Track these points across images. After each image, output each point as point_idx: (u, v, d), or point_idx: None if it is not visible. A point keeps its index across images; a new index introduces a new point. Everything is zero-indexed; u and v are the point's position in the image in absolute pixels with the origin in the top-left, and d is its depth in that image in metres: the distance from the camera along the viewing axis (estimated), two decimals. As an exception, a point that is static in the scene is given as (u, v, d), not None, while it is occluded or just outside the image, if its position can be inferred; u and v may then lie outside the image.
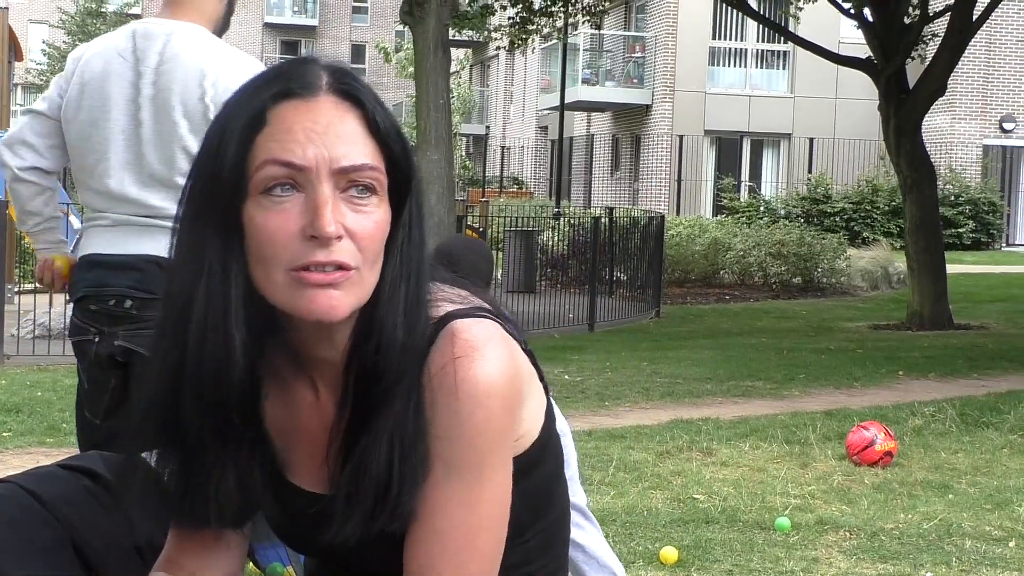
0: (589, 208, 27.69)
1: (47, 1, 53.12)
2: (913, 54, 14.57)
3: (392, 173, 1.42)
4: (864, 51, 14.63)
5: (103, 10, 46.56)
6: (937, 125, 26.30)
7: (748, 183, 29.75)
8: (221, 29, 3.31)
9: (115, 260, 3.14)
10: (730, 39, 30.18)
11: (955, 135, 27.52)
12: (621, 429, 7.18)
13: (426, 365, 1.43)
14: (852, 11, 14.76)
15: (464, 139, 42.92)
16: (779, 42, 28.87)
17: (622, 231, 16.10)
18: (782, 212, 25.97)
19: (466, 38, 30.71)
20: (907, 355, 11.00)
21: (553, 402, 1.67)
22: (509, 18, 17.10)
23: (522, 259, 15.76)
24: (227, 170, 1.38)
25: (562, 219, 18.96)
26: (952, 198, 25.72)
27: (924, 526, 5.17)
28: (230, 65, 3.14)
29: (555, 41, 25.75)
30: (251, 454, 1.49)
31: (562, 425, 2.81)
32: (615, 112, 32.48)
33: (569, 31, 23.13)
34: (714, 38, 29.99)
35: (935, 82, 13.70)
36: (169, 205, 3.07)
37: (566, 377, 9.32)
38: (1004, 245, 27.59)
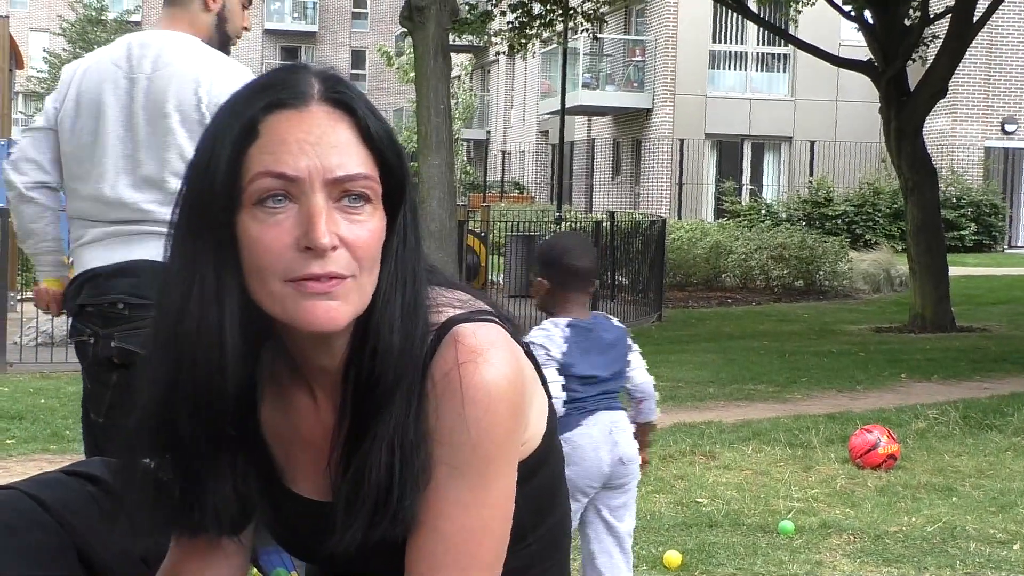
0: (590, 212, 27.69)
1: (48, 9, 53.22)
2: (914, 56, 14.58)
3: (386, 180, 1.42)
4: (865, 53, 14.64)
5: (103, 18, 46.60)
6: (938, 127, 26.30)
7: (749, 186, 29.75)
8: (218, 42, 3.35)
9: (110, 269, 3.18)
10: (730, 42, 30.19)
11: (956, 137, 27.51)
12: (624, 433, 7.17)
13: (429, 371, 1.43)
14: (852, 13, 14.76)
15: (465, 144, 42.92)
16: (779, 45, 28.89)
17: (623, 235, 16.11)
18: (783, 215, 25.97)
19: (467, 43, 30.76)
20: (910, 358, 11.00)
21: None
22: (508, 22, 17.12)
23: (523, 264, 15.77)
24: (219, 183, 1.38)
25: (563, 223, 18.96)
26: (954, 200, 25.71)
27: (928, 529, 5.16)
28: (223, 72, 3.20)
29: (555, 46, 25.77)
30: (248, 462, 1.49)
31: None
32: (616, 116, 32.50)
33: (569, 35, 23.15)
34: (714, 41, 30.01)
35: (936, 84, 13.70)
36: (160, 209, 3.12)
37: (568, 381, 9.30)
38: (1006, 247, 27.57)
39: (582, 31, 19.84)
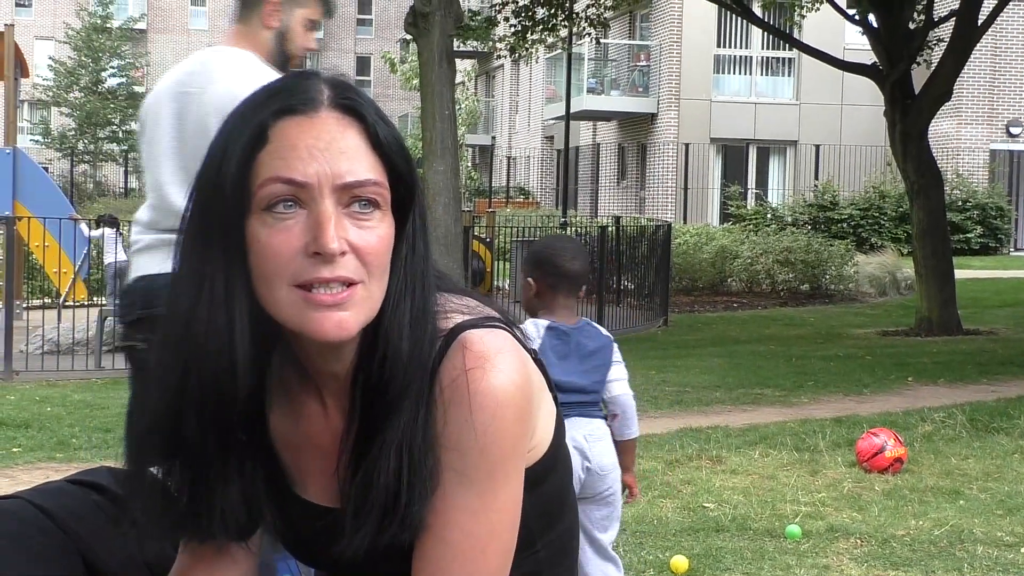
0: (596, 217, 27.69)
1: (53, 17, 53.30)
2: (918, 59, 14.57)
3: (395, 186, 1.42)
4: (869, 57, 14.64)
5: (109, 26, 46.63)
6: (943, 130, 26.28)
7: (755, 190, 29.73)
8: (278, 60, 3.41)
9: (164, 277, 3.22)
10: (735, 47, 30.19)
11: (961, 140, 27.48)
12: (630, 438, 7.17)
13: (438, 377, 1.43)
14: (857, 17, 14.77)
15: (470, 150, 42.95)
16: (784, 49, 28.89)
17: (629, 240, 16.10)
18: (789, 219, 25.94)
19: (471, 49, 30.77)
20: (916, 361, 10.98)
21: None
22: (511, 26, 17.13)
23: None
24: (229, 188, 1.38)
25: (569, 228, 18.95)
26: (959, 203, 25.68)
27: (935, 532, 5.15)
28: None
29: (560, 51, 25.77)
30: (256, 467, 1.49)
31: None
32: (621, 121, 32.50)
33: (573, 40, 23.15)
34: (719, 46, 30.00)
35: (941, 87, 13.69)
36: None
37: (575, 386, 9.30)
38: (1012, 250, 27.53)
39: (585, 35, 19.84)
